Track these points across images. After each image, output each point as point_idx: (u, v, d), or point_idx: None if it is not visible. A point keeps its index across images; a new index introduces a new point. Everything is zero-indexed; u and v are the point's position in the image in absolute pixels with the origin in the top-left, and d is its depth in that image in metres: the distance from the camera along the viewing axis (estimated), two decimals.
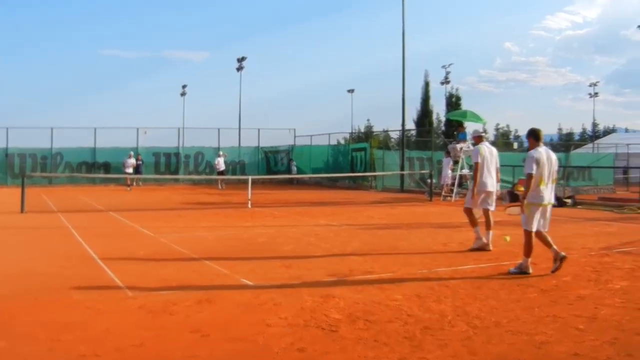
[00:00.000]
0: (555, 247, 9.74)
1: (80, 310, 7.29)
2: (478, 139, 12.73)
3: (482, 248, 11.97)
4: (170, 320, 6.92)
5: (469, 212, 12.55)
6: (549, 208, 9.82)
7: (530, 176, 9.55)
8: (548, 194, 9.73)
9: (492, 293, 8.32)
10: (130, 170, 37.50)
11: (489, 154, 12.50)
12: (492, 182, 12.37)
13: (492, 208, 12.43)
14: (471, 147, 27.97)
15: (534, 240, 9.72)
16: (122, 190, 35.63)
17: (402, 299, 7.97)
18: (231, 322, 6.85)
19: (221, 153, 39.46)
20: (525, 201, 9.62)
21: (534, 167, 9.55)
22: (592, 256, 11.45)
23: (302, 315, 7.10)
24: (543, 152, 9.73)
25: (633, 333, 6.44)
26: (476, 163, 12.35)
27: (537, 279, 9.27)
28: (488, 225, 12.18)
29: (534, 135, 9.91)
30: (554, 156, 9.88)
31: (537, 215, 9.70)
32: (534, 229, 9.71)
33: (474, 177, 12.44)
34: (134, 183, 40.08)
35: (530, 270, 9.62)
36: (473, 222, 12.38)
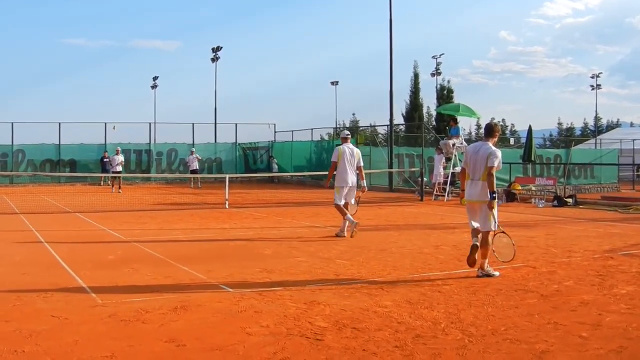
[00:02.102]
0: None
1: (45, 320, 7.25)
2: (344, 139, 15.33)
3: (341, 235, 14.72)
4: (143, 329, 6.90)
5: (338, 207, 14.93)
6: (477, 206, 10.23)
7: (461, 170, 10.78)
8: (470, 189, 10.33)
9: (488, 299, 8.35)
10: (120, 168, 35.57)
11: (350, 154, 14.96)
12: (352, 179, 14.90)
13: (352, 202, 15.11)
14: (464, 144, 28.17)
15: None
16: (96, 190, 35.33)
17: (391, 305, 7.99)
18: (209, 331, 6.83)
19: (193, 150, 39.38)
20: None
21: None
22: (595, 259, 11.52)
23: (285, 323, 7.10)
24: (471, 147, 10.81)
25: None
26: (332, 162, 15.03)
27: (537, 284, 9.31)
28: (351, 212, 14.91)
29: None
30: (482, 151, 10.25)
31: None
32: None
33: (328, 173, 15.47)
34: (103, 182, 39.90)
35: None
36: (343, 213, 14.83)
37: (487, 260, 9.96)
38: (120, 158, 35.66)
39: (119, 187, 34.03)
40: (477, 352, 6.08)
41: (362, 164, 15.19)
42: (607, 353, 6.05)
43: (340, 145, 15.20)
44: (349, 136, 15.58)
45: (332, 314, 7.55)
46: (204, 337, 6.57)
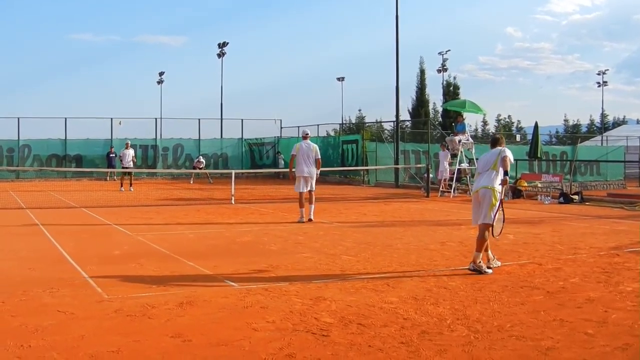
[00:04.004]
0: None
1: (51, 315, 7.26)
2: (303, 137, 17.93)
3: (301, 221, 16.85)
4: (149, 324, 6.91)
5: (299, 195, 17.14)
6: (480, 192, 10.25)
7: None
8: (477, 181, 10.54)
9: (494, 295, 8.33)
10: (131, 164, 31.88)
11: (306, 148, 17.24)
12: (308, 170, 17.13)
13: (312, 189, 17.28)
14: (470, 140, 28.14)
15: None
16: (102, 185, 35.32)
17: (397, 301, 7.99)
18: (215, 326, 6.84)
19: (200, 157, 39.99)
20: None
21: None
22: (601, 256, 11.50)
23: (291, 319, 7.10)
24: (482, 156, 11.00)
25: None
26: (292, 155, 17.43)
27: (543, 280, 9.30)
28: (310, 201, 17.23)
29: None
30: (492, 152, 10.43)
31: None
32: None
33: (289, 167, 17.93)
34: (109, 177, 39.88)
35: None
36: (301, 204, 17.12)
37: (480, 255, 9.92)
38: (131, 152, 32.42)
39: (130, 185, 30.73)
40: (483, 348, 6.07)
41: (319, 156, 17.49)
42: (613, 350, 6.04)
43: (300, 142, 17.67)
44: (308, 134, 18.34)
45: (338, 309, 7.55)
46: (209, 333, 6.57)
